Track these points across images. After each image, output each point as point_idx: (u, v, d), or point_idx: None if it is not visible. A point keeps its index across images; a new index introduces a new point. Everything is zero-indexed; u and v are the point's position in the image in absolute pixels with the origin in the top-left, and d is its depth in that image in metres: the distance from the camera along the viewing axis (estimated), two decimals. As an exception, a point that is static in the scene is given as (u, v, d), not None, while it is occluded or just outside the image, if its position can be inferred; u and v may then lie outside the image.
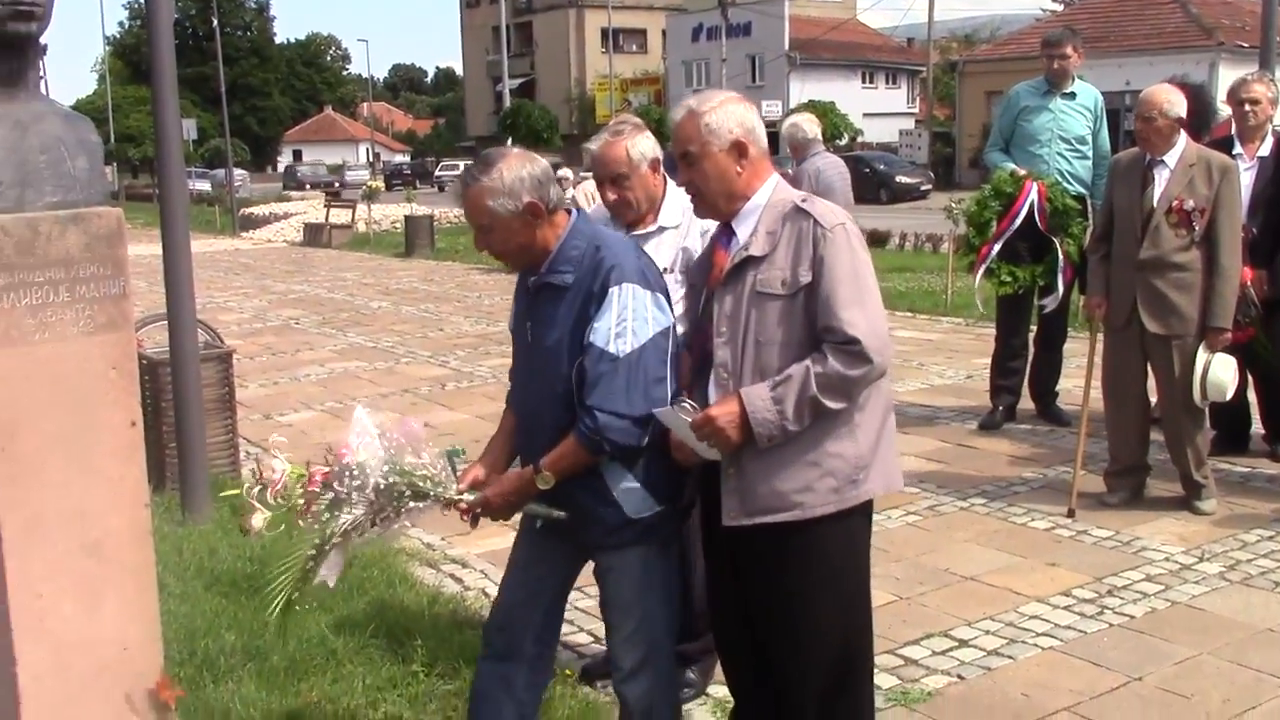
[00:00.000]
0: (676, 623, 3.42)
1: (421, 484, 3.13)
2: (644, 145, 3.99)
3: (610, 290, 3.10)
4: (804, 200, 3.06)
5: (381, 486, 3.09)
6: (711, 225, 3.36)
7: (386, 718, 4.05)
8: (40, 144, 3.07)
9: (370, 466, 3.09)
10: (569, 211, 3.29)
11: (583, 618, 5.00)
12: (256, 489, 3.13)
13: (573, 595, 5.12)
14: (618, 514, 3.20)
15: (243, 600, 4.93)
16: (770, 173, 3.15)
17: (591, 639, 4.78)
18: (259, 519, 3.12)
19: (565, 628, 4.87)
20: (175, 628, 4.46)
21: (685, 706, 4.14)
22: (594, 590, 5.16)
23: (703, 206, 3.20)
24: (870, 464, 3.04)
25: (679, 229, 4.03)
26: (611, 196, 4.06)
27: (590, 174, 4.76)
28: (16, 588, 3.05)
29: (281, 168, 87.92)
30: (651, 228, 4.08)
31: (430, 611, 4.93)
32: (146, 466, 3.32)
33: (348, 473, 3.08)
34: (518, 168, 3.16)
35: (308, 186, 30.11)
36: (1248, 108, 6.66)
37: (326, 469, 3.10)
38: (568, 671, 4.38)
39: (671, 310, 3.23)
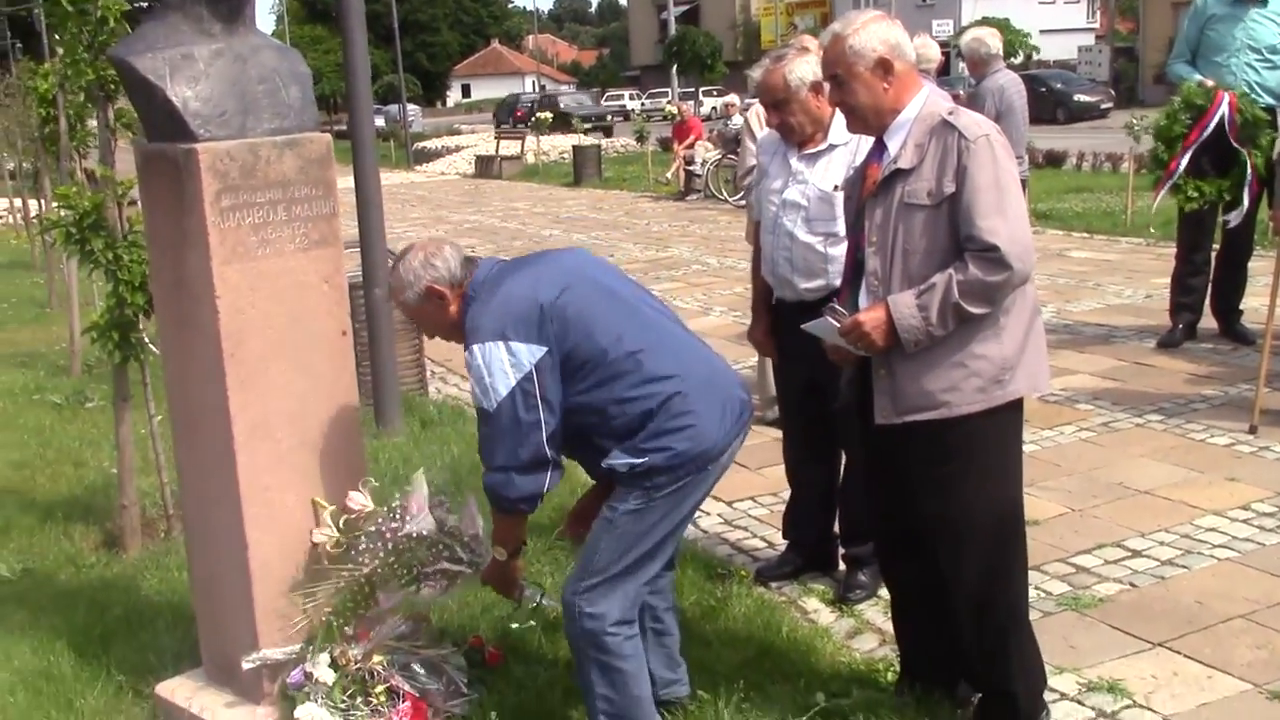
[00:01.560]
0: (634, 581, 3.22)
1: (460, 549, 3.42)
2: (802, 70, 4.10)
3: (466, 356, 3.11)
4: (950, 113, 3.14)
5: (426, 537, 3.38)
6: None
7: (573, 613, 4.30)
8: (258, 75, 3.35)
9: (421, 521, 3.40)
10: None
11: (756, 525, 5.19)
12: (331, 511, 3.51)
13: (745, 504, 5.40)
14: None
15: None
16: (920, 86, 3.23)
17: (765, 544, 4.95)
18: (321, 535, 3.51)
19: (739, 534, 5.12)
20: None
21: (858, 607, 4.29)
22: (766, 500, 5.40)
23: (854, 123, 3.32)
24: (1016, 365, 3.14)
25: (848, 146, 4.13)
26: (774, 121, 4.24)
27: (755, 99, 4.90)
28: (246, 481, 3.39)
29: (450, 101, 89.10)
30: (822, 146, 4.22)
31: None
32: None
33: (398, 520, 3.40)
34: (411, 258, 3.23)
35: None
36: None
37: (395, 520, 3.41)
38: (743, 572, 4.57)
39: (551, 340, 3.05)
